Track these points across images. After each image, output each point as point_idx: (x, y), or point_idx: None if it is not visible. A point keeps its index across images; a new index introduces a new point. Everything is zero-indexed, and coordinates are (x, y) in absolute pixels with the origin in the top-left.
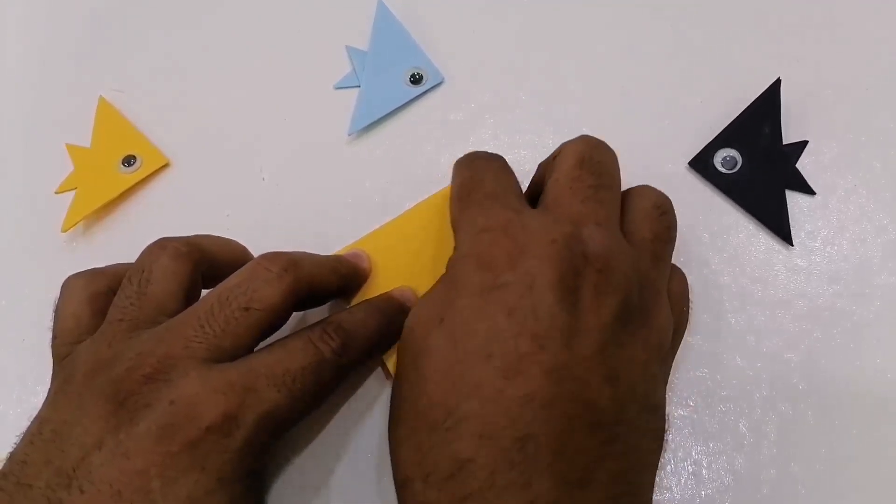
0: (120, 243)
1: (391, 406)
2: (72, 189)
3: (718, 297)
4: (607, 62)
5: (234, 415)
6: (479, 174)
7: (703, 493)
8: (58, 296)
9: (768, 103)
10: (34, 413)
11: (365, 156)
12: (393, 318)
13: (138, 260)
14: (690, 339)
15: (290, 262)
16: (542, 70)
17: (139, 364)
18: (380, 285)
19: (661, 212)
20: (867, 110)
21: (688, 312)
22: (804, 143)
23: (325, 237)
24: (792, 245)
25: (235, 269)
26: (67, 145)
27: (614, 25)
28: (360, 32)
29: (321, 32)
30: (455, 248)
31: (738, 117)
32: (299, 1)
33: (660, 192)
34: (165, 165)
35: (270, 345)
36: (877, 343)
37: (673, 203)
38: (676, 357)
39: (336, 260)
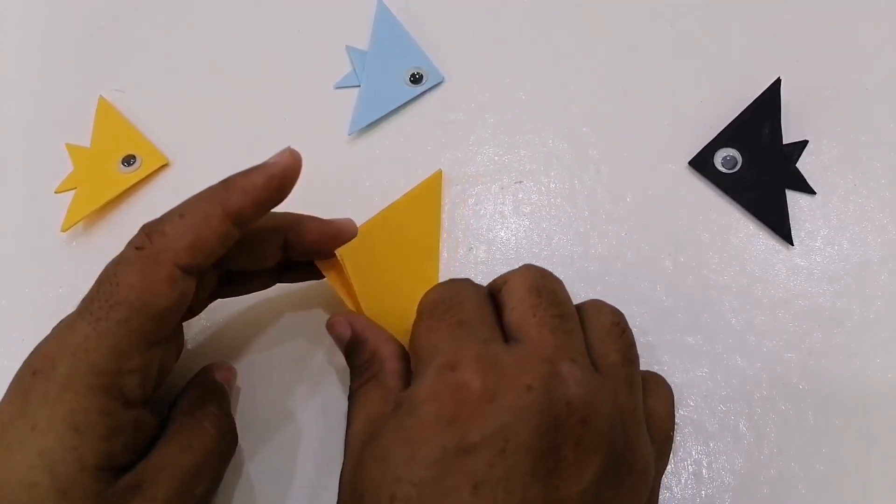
0: (120, 243)
1: None
2: (72, 189)
3: (718, 297)
4: (607, 62)
5: (52, 356)
6: (460, 296)
7: (703, 492)
8: None
9: (768, 103)
10: None
11: (365, 155)
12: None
13: None
14: (691, 339)
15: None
16: (543, 69)
17: None
18: (370, 277)
19: (621, 329)
20: (867, 110)
21: (673, 432)
22: (804, 143)
23: None
24: (792, 244)
25: None
26: (67, 145)
27: (614, 25)
28: (360, 32)
29: (321, 32)
30: (413, 380)
31: (738, 117)
32: (299, 1)
33: (612, 306)
34: (165, 165)
35: None
36: (877, 343)
37: (674, 203)
38: (676, 356)
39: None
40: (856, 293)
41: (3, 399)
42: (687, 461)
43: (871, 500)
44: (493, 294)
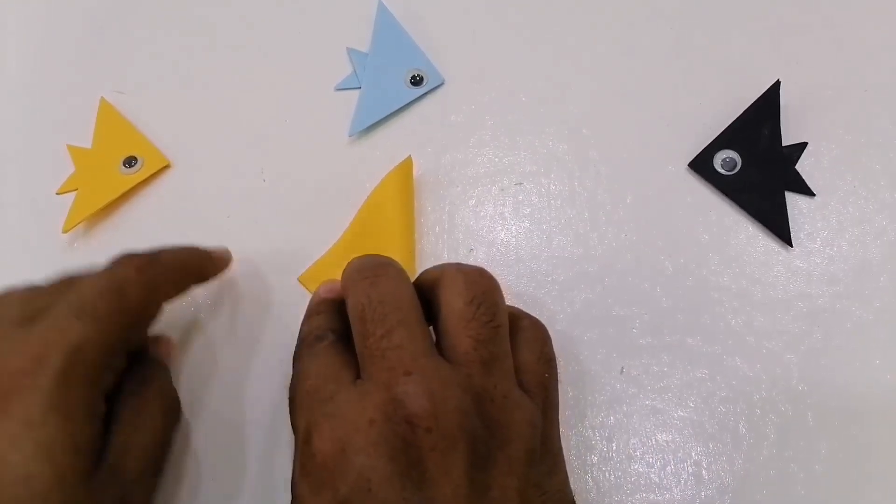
0: (121, 244)
1: None
2: (73, 190)
3: (718, 298)
4: (607, 62)
5: (40, 355)
6: (304, 365)
7: (703, 493)
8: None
9: (768, 104)
10: None
11: (366, 157)
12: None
13: None
14: (691, 341)
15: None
16: (542, 71)
17: None
18: None
19: (477, 304)
20: (867, 111)
21: (552, 368)
22: (804, 145)
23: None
24: (791, 246)
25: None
26: (68, 146)
27: (614, 26)
28: (361, 34)
29: (322, 34)
30: (294, 459)
31: (737, 119)
32: (300, 2)
33: (468, 272)
34: (166, 166)
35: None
36: (876, 344)
37: (674, 205)
38: (676, 357)
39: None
40: (855, 295)
41: None
42: (687, 462)
43: (870, 501)
44: None
